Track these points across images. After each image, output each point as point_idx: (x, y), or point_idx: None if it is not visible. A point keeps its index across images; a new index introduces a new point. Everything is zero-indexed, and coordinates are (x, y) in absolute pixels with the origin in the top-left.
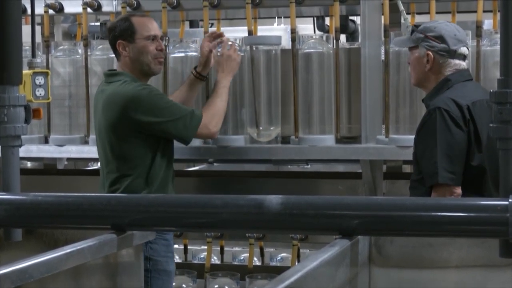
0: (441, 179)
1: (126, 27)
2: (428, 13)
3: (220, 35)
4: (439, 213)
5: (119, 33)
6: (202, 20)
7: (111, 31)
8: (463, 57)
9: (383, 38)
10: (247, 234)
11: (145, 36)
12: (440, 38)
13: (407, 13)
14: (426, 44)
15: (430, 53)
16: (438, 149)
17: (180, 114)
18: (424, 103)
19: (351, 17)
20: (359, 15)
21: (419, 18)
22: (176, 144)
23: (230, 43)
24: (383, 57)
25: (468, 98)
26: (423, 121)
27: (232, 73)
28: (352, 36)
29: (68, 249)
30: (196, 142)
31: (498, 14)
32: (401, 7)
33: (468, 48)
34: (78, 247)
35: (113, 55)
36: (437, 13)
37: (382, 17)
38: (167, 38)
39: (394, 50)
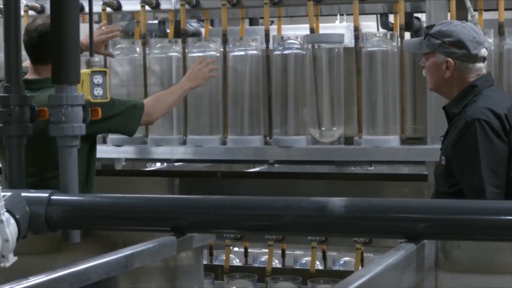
0: (489, 196)
1: None
2: (496, 9)
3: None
4: (510, 217)
5: None
6: (262, 18)
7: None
8: (483, 59)
9: None
10: (309, 238)
11: None
12: (460, 43)
13: (474, 10)
14: (444, 50)
15: (450, 60)
16: (481, 163)
17: (122, 108)
18: (448, 111)
19: (415, 14)
20: (424, 12)
21: (486, 15)
22: (234, 145)
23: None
24: None
25: (502, 105)
26: (460, 133)
27: (196, 83)
28: (416, 33)
29: (127, 251)
30: (256, 143)
31: None
32: (468, 3)
33: (486, 48)
34: (138, 249)
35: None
36: (505, 9)
37: (448, 14)
38: None
39: None
